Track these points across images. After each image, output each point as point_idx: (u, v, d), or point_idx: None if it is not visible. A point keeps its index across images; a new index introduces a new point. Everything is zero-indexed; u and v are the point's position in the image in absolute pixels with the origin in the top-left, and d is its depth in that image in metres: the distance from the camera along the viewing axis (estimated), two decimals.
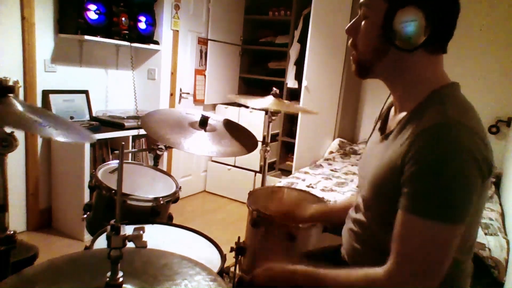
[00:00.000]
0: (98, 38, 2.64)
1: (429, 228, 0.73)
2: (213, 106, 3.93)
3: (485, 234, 1.85)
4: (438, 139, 0.73)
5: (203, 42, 3.63)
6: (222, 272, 1.09)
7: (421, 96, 0.84)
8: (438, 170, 0.72)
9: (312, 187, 2.45)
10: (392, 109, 0.99)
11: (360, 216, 0.98)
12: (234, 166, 3.83)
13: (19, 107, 0.98)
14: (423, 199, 0.74)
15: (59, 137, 0.96)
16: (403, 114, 0.88)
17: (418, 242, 0.75)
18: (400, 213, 0.78)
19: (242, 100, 2.02)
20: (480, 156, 0.73)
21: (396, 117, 0.92)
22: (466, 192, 0.73)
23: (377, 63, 0.88)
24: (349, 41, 0.93)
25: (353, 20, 0.91)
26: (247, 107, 3.75)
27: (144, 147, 3.10)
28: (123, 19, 2.79)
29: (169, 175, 1.66)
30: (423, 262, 0.74)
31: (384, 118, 1.01)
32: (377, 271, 0.79)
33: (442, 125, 0.74)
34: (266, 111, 3.42)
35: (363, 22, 0.88)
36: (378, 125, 1.01)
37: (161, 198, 1.41)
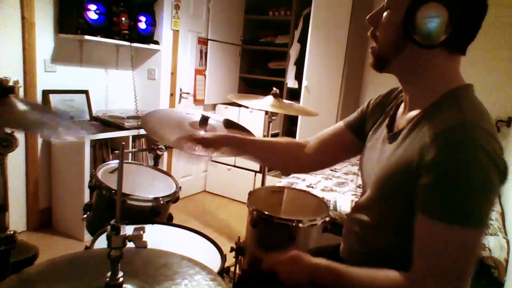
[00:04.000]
0: (98, 38, 2.64)
1: (456, 234, 0.71)
2: (213, 106, 3.93)
3: (485, 234, 1.85)
4: (456, 142, 0.72)
5: (203, 42, 3.63)
6: (222, 272, 1.09)
7: (435, 95, 0.83)
8: (459, 173, 0.70)
9: (312, 187, 2.45)
10: (401, 107, 0.97)
11: (361, 216, 0.96)
12: (234, 166, 3.83)
13: (20, 107, 0.98)
14: (447, 204, 0.72)
15: (58, 138, 0.96)
16: (415, 112, 0.86)
17: (444, 248, 0.72)
18: (422, 219, 0.75)
19: (241, 101, 2.01)
20: (498, 159, 0.72)
21: (406, 115, 0.90)
22: (488, 196, 0.72)
23: (394, 57, 0.86)
24: (369, 31, 0.90)
25: (376, 10, 0.89)
26: (247, 107, 3.75)
27: (144, 147, 3.10)
28: (123, 19, 2.79)
29: (169, 175, 1.66)
30: (450, 268, 0.73)
31: (391, 116, 0.99)
32: (404, 277, 0.77)
33: (461, 127, 0.73)
34: (266, 111, 3.42)
35: (385, 13, 0.86)
36: (386, 122, 0.99)
37: (161, 198, 1.41)
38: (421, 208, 0.76)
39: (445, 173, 0.72)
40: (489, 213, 0.73)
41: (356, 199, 1.04)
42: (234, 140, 1.17)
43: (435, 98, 0.83)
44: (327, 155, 1.18)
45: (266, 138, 1.23)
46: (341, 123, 1.17)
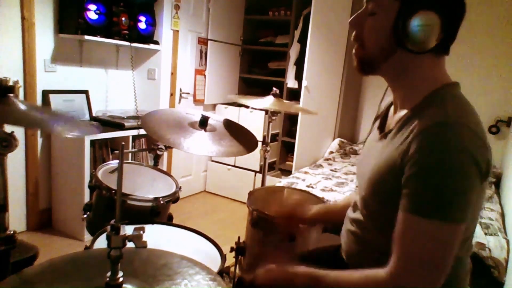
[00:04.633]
0: (98, 38, 2.64)
1: (432, 228, 0.73)
2: (213, 106, 3.93)
3: (485, 234, 1.85)
4: (437, 138, 0.73)
5: (203, 42, 3.63)
6: (222, 272, 1.09)
7: (422, 95, 0.84)
8: (437, 169, 0.72)
9: (312, 187, 2.45)
10: (392, 108, 0.98)
11: (358, 216, 0.98)
12: (234, 166, 3.83)
13: (21, 106, 0.98)
14: (424, 199, 0.73)
15: (66, 133, 0.97)
16: (403, 112, 0.88)
17: (421, 242, 0.74)
18: (401, 213, 0.77)
19: (243, 100, 2.02)
20: (479, 156, 0.73)
21: (395, 116, 0.91)
22: (465, 192, 0.73)
23: (382, 62, 0.87)
24: (352, 34, 0.90)
25: (358, 12, 0.88)
26: (247, 107, 3.75)
27: (144, 147, 3.10)
28: (123, 19, 2.79)
29: (169, 175, 1.66)
30: (426, 262, 0.74)
31: (383, 117, 1.00)
32: (379, 272, 0.78)
33: (442, 124, 0.74)
34: (266, 111, 3.42)
35: (370, 18, 0.86)
36: (377, 124, 1.00)
37: (161, 198, 1.41)
38: (402, 203, 0.77)
39: (424, 170, 0.73)
40: (467, 209, 0.74)
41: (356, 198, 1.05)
42: (326, 218, 1.27)
43: (421, 98, 0.84)
44: None
45: (338, 206, 1.24)
46: None
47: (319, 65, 3.29)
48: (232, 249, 1.48)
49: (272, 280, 0.91)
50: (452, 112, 0.76)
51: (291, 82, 3.67)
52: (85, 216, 1.50)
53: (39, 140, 2.66)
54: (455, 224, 0.73)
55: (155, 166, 1.73)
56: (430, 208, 0.73)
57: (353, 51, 0.91)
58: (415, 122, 0.79)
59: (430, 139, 0.74)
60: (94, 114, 2.91)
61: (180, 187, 1.55)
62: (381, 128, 0.98)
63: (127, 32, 2.83)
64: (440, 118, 0.75)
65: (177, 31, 3.31)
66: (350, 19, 0.89)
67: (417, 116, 0.80)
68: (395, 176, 0.79)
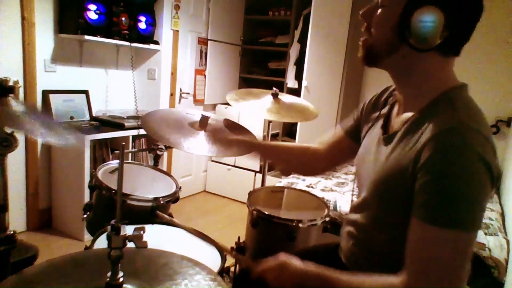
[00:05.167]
0: (98, 38, 2.64)
1: (448, 238, 0.71)
2: (213, 106, 3.93)
3: (485, 234, 1.85)
4: (450, 146, 0.71)
5: (203, 42, 3.63)
6: (222, 272, 1.09)
7: (430, 96, 0.82)
8: (453, 178, 0.70)
9: (312, 187, 2.45)
10: (395, 107, 0.96)
11: (357, 217, 0.96)
12: (234, 166, 3.83)
13: (17, 108, 0.98)
14: (440, 209, 0.72)
15: (55, 141, 0.97)
16: (410, 114, 0.86)
17: (436, 251, 0.72)
18: (415, 222, 0.75)
19: (240, 103, 1.95)
20: (491, 163, 0.72)
21: (401, 116, 0.89)
22: (479, 200, 0.72)
23: (387, 56, 0.86)
24: (363, 26, 0.89)
25: (369, 5, 0.88)
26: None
27: (144, 147, 3.10)
28: (123, 19, 2.79)
29: (169, 175, 1.66)
30: (442, 271, 0.72)
31: (386, 116, 0.98)
32: (394, 281, 0.77)
33: (454, 130, 0.73)
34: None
35: (379, 10, 0.85)
36: (380, 123, 0.98)
37: (161, 198, 1.41)
38: (415, 211, 0.76)
39: (439, 176, 0.72)
40: (481, 218, 0.73)
41: (355, 200, 1.04)
42: (259, 147, 1.29)
43: (429, 99, 0.82)
44: (334, 159, 1.24)
45: (285, 144, 1.31)
46: (340, 130, 1.19)
47: (319, 65, 3.29)
48: (232, 249, 1.48)
49: (282, 275, 0.89)
50: (464, 117, 0.74)
51: (291, 82, 3.67)
52: (85, 216, 1.50)
53: (39, 140, 2.66)
54: (470, 232, 0.72)
55: (155, 166, 1.73)
56: (447, 218, 0.71)
57: (360, 41, 0.90)
58: (424, 126, 0.77)
59: (443, 146, 0.72)
60: (94, 114, 2.91)
61: (180, 187, 1.55)
62: (385, 128, 0.95)
63: (127, 32, 2.83)
64: (452, 123, 0.73)
65: (177, 31, 3.31)
66: (361, 11, 0.89)
67: (427, 119, 0.78)
68: (404, 182, 0.78)
